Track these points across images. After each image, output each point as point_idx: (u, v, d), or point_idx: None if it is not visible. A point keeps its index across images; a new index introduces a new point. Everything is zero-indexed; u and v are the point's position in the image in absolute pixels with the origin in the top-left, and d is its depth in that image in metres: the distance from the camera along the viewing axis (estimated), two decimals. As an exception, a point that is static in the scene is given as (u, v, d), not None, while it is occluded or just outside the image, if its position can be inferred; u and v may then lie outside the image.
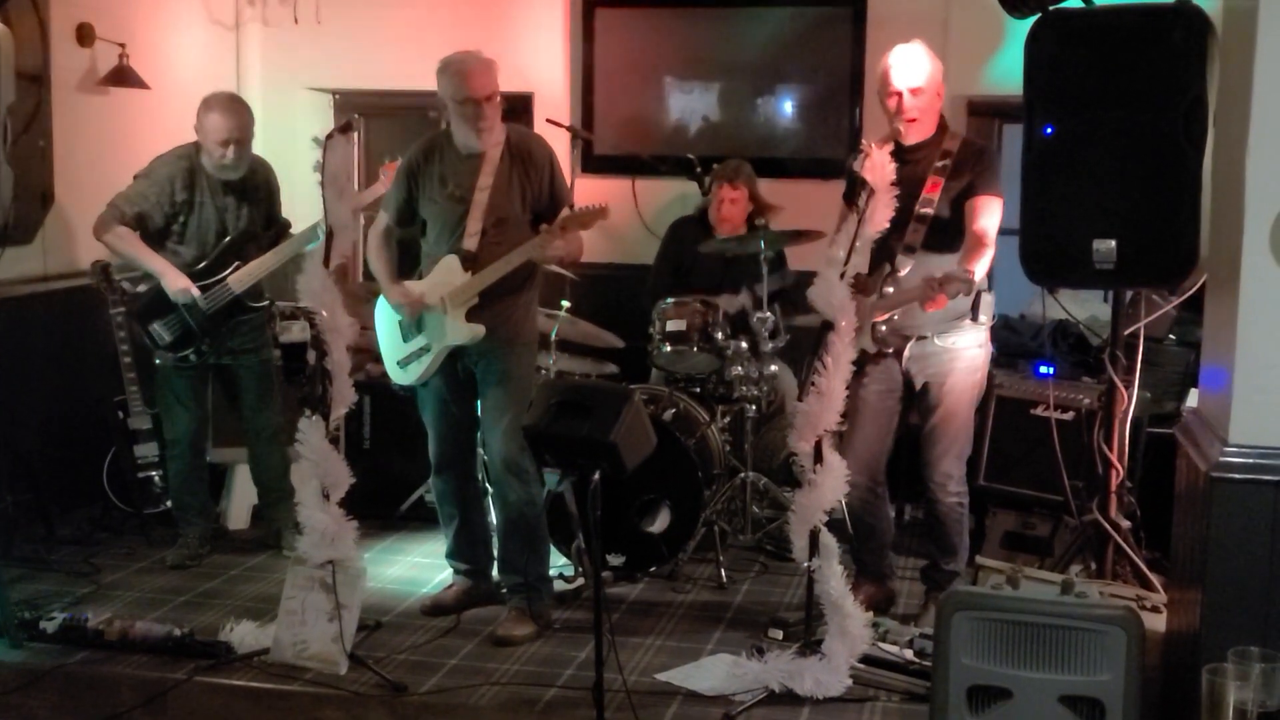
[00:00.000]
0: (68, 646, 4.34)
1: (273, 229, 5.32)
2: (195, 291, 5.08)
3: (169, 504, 5.52)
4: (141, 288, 5.25)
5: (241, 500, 5.80)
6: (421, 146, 4.66)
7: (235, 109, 5.12)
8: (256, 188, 5.25)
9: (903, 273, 4.40)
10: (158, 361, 5.27)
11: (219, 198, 5.16)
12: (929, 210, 4.39)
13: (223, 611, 4.68)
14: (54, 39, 5.71)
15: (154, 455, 5.57)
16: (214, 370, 5.33)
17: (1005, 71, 5.98)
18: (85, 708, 4.10)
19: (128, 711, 4.05)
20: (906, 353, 4.51)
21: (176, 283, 5.07)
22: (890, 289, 4.40)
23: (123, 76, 6.01)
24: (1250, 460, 3.15)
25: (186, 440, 5.32)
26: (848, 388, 4.06)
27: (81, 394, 5.78)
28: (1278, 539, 3.13)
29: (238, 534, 5.74)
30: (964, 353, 4.49)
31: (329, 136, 4.32)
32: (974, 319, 4.41)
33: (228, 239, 5.16)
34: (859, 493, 4.60)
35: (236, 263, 5.15)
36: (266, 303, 5.36)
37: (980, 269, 4.25)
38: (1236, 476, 3.15)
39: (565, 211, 4.49)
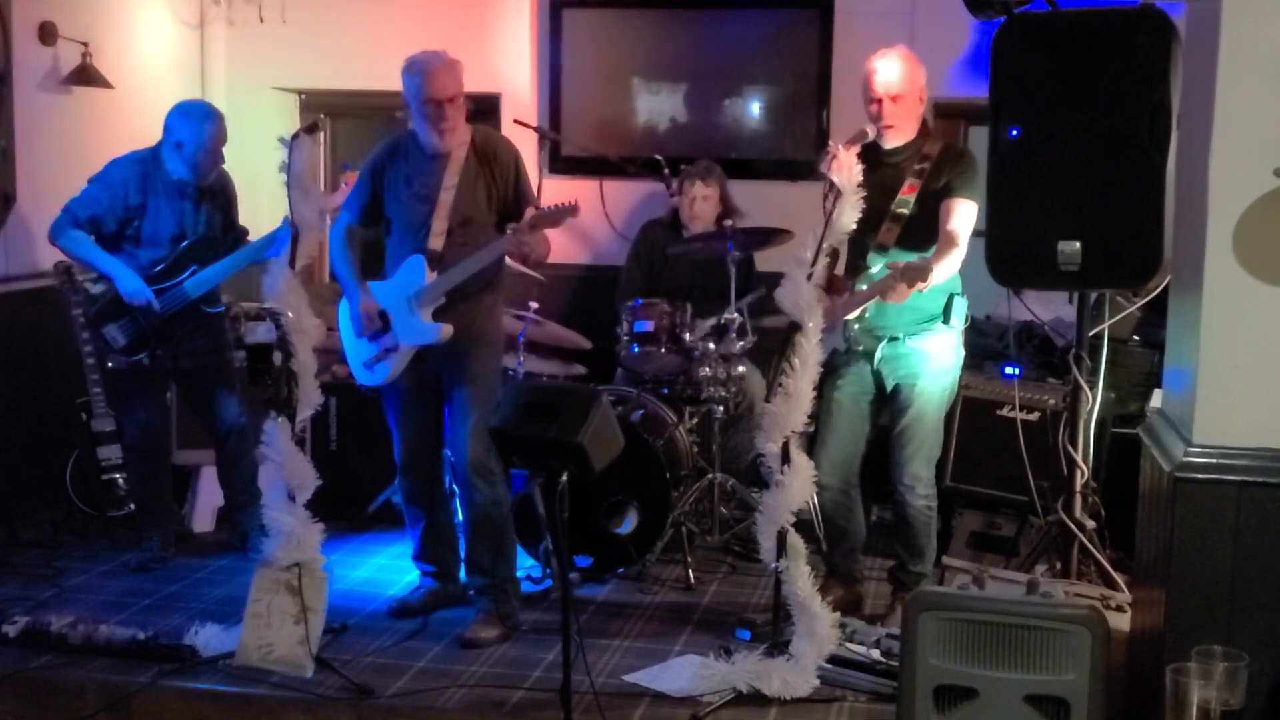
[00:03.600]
0: (30, 650, 4.30)
1: (230, 234, 5.29)
2: (149, 294, 5.04)
3: (133, 506, 5.47)
4: (99, 288, 5.20)
5: (206, 502, 5.76)
6: (386, 145, 4.64)
7: (220, 117, 5.12)
8: (215, 193, 5.21)
9: (874, 270, 4.42)
10: (110, 365, 5.22)
11: (175, 201, 5.12)
12: (904, 210, 4.41)
13: (188, 614, 4.64)
14: (16, 37, 5.66)
15: (117, 458, 5.52)
16: (174, 374, 5.29)
17: (971, 73, 6.02)
18: (48, 712, 4.06)
19: (92, 715, 4.01)
20: (878, 354, 4.52)
21: (130, 284, 5.03)
22: (862, 286, 4.42)
23: (86, 76, 5.96)
24: (1213, 460, 3.18)
25: (146, 443, 5.27)
26: (816, 389, 4.07)
27: (44, 396, 5.72)
28: (1241, 538, 3.16)
29: (202, 536, 5.70)
30: (935, 355, 4.50)
31: (294, 137, 4.30)
32: (945, 321, 4.44)
33: (185, 242, 5.12)
34: (832, 495, 4.61)
35: (193, 266, 5.11)
36: (223, 307, 5.33)
37: (945, 264, 4.28)
38: (1200, 476, 3.18)
39: (533, 210, 4.48)
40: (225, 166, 5.29)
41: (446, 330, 4.49)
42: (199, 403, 5.35)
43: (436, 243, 4.48)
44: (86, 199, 5.07)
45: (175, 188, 5.11)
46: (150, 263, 5.10)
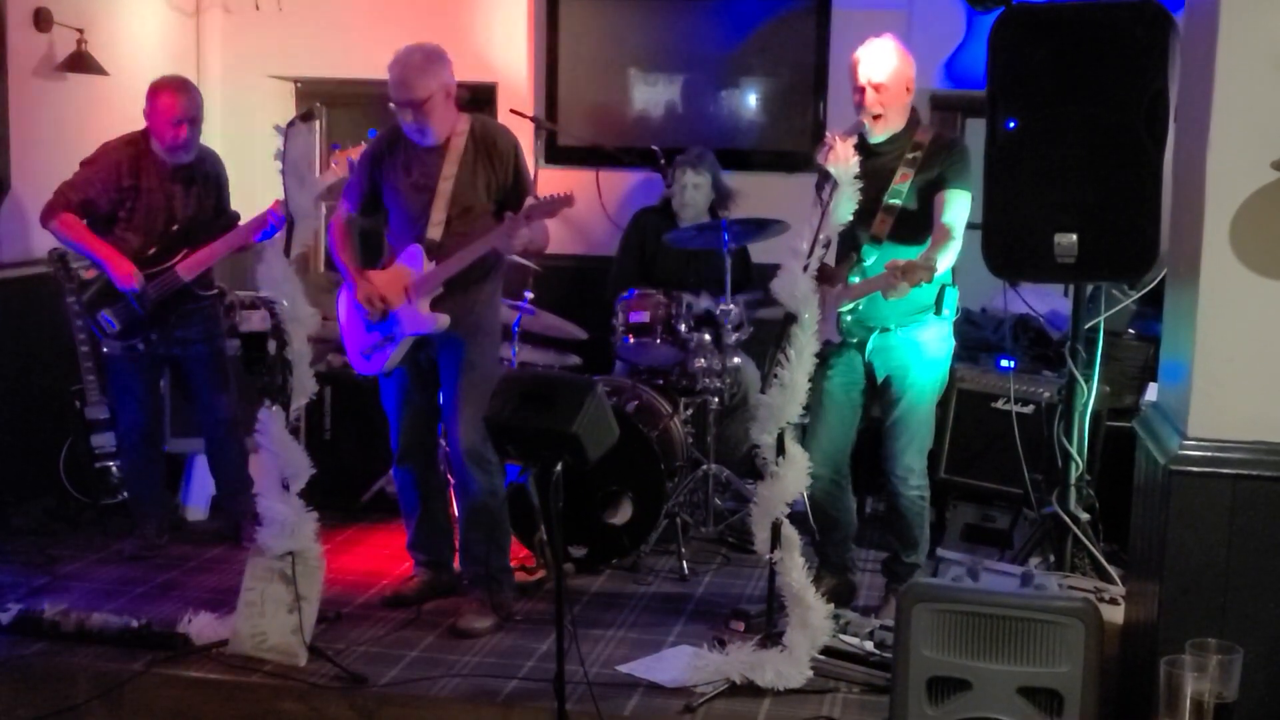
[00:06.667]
0: (23, 638, 4.29)
1: (222, 218, 5.26)
2: (140, 279, 5.02)
3: (126, 495, 5.47)
4: (93, 274, 5.18)
5: (200, 491, 5.76)
6: (386, 134, 4.62)
7: (186, 88, 5.08)
8: (206, 176, 5.18)
9: (868, 263, 4.42)
10: (105, 350, 5.22)
11: (167, 185, 5.09)
12: (897, 201, 4.40)
13: (181, 603, 4.63)
14: (11, 24, 5.64)
15: (111, 445, 5.51)
16: (166, 361, 5.28)
17: (968, 65, 6.02)
18: (41, 700, 4.06)
19: (84, 703, 4.01)
20: (869, 345, 4.52)
21: (121, 269, 5.00)
22: (856, 279, 4.42)
23: (81, 62, 5.94)
24: (1208, 453, 3.18)
25: (138, 431, 5.26)
26: (811, 380, 4.07)
27: (37, 383, 5.71)
28: (1235, 531, 3.16)
29: (196, 525, 5.69)
30: (927, 346, 4.50)
31: (290, 125, 4.29)
32: (937, 313, 4.44)
33: (176, 226, 5.10)
34: (823, 485, 4.61)
35: (185, 250, 5.08)
36: (216, 291, 5.31)
37: (944, 259, 4.26)
38: (1194, 469, 3.18)
39: (529, 200, 4.47)
40: (219, 153, 5.27)
41: (444, 320, 4.48)
42: (190, 391, 5.33)
43: (435, 232, 4.47)
44: (80, 182, 5.04)
45: (168, 171, 5.08)
46: (142, 246, 5.07)
